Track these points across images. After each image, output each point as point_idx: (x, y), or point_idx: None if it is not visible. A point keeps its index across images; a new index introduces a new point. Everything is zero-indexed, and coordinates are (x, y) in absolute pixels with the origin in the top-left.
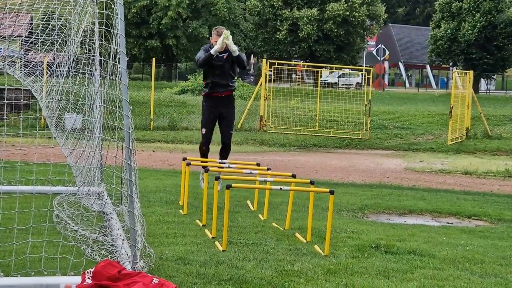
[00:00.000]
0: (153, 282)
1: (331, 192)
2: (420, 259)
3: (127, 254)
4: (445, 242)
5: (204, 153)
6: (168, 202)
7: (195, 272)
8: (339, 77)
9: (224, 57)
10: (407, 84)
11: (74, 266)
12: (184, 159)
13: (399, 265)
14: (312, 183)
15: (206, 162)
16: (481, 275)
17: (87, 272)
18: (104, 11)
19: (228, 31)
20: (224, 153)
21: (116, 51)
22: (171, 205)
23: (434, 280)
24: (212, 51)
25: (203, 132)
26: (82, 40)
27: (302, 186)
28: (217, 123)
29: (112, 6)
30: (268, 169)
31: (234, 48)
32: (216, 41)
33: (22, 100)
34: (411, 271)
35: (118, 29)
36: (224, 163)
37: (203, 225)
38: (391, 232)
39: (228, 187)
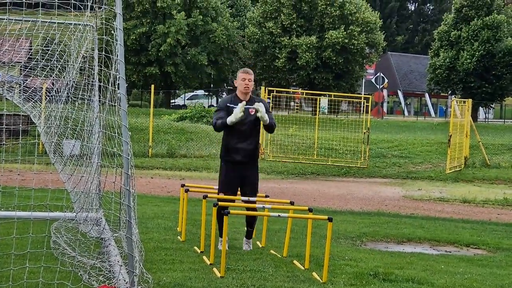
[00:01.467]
0: None
1: (329, 220)
2: (418, 287)
3: (124, 280)
4: (443, 270)
5: (221, 218)
6: (166, 228)
7: None
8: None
9: (251, 113)
10: (406, 112)
11: None
12: (183, 185)
13: None
14: (310, 210)
15: (205, 188)
16: None
17: None
18: (104, 37)
19: (261, 99)
20: (251, 220)
21: (116, 77)
22: (169, 232)
23: None
24: (228, 121)
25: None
26: (81, 66)
27: (300, 213)
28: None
29: (112, 32)
30: (266, 196)
31: (266, 118)
32: (241, 87)
33: (20, 126)
34: None
35: (117, 55)
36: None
37: (201, 251)
38: (389, 260)
39: (227, 213)
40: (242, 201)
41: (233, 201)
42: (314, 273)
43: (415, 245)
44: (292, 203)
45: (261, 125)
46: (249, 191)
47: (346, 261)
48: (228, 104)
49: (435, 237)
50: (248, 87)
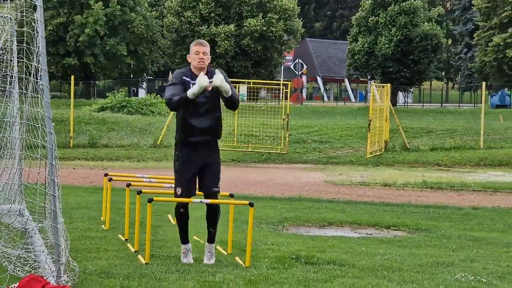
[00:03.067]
0: None
1: (251, 205)
2: (340, 269)
3: (50, 269)
4: (364, 252)
5: (181, 218)
6: (90, 218)
7: (118, 285)
8: None
9: (209, 88)
10: (326, 98)
11: None
12: (106, 174)
13: (319, 275)
14: (231, 196)
15: (128, 177)
16: (399, 282)
17: (11, 287)
18: (24, 29)
19: (218, 69)
20: (212, 218)
21: (38, 68)
22: (93, 221)
23: None
24: (189, 93)
25: (178, 193)
26: (1, 58)
27: (221, 199)
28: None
29: (33, 24)
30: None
31: (228, 88)
32: (195, 61)
33: None
34: (330, 280)
35: (39, 47)
36: (145, 177)
37: (125, 239)
38: (311, 244)
39: (150, 200)
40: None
41: (189, 196)
42: (237, 257)
43: (337, 229)
44: None
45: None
46: (210, 181)
47: (268, 245)
48: (184, 78)
49: (356, 220)
50: (204, 61)
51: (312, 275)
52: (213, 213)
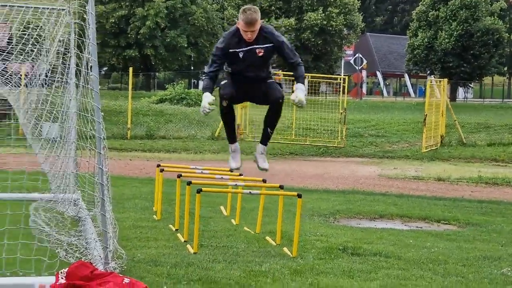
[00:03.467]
0: (124, 282)
1: (299, 196)
2: (385, 260)
3: (99, 256)
4: (411, 244)
5: (224, 114)
6: (143, 208)
7: (165, 273)
8: None
9: (257, 52)
10: (385, 93)
11: (49, 267)
12: (158, 165)
13: (364, 265)
14: (281, 187)
15: (180, 168)
16: (443, 275)
17: (61, 272)
18: (77, 21)
19: (299, 98)
20: (272, 117)
21: (88, 59)
22: (145, 211)
23: (397, 280)
24: (201, 109)
25: (223, 104)
26: (57, 50)
27: (271, 191)
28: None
29: (85, 16)
30: (240, 175)
31: (304, 102)
32: (243, 29)
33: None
34: (375, 271)
35: (90, 38)
36: (197, 168)
37: (176, 229)
38: (360, 236)
39: (199, 191)
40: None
41: (237, 98)
42: (285, 248)
43: (387, 222)
44: (264, 181)
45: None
46: (268, 94)
47: (317, 236)
48: (230, 49)
49: (407, 213)
50: (251, 38)
51: (357, 265)
52: (274, 110)
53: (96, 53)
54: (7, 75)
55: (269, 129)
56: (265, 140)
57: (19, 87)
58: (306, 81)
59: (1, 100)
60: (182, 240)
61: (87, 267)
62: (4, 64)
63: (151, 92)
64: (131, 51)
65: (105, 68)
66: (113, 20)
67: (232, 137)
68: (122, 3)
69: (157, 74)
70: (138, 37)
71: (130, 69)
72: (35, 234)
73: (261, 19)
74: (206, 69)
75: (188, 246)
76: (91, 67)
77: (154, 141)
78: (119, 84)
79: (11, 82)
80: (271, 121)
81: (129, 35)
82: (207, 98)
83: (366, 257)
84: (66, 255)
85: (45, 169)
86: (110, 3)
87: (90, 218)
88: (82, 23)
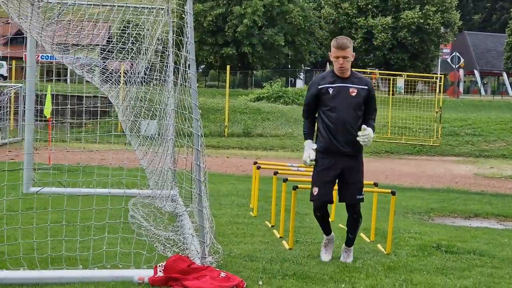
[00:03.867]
0: (220, 276)
1: (393, 193)
2: (479, 259)
3: (196, 250)
4: (506, 243)
5: (319, 219)
6: (240, 205)
7: (261, 268)
8: None
9: (351, 93)
10: (483, 92)
11: (147, 261)
12: (255, 163)
13: (457, 263)
14: (375, 184)
15: (276, 166)
16: None
17: (159, 266)
18: (175, 20)
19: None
20: (352, 225)
21: (186, 58)
22: (242, 208)
23: (490, 278)
24: (304, 158)
25: (314, 194)
26: (156, 48)
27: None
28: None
29: (183, 16)
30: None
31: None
32: (335, 66)
33: (99, 107)
34: (469, 269)
35: (188, 37)
36: (293, 165)
37: (272, 226)
38: (454, 234)
39: (295, 188)
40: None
41: (327, 202)
42: (379, 245)
43: (482, 220)
44: None
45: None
46: (351, 189)
47: (411, 234)
48: (319, 86)
49: (503, 213)
50: (344, 67)
51: (450, 263)
52: (354, 220)
53: (194, 51)
54: (107, 73)
55: (349, 234)
56: (349, 242)
57: (118, 84)
58: (402, 80)
59: (101, 98)
60: (278, 236)
61: (184, 261)
62: (104, 62)
63: (249, 90)
64: (229, 49)
65: (202, 66)
66: (210, 18)
67: (327, 229)
68: (220, 1)
69: (254, 72)
70: (236, 35)
71: (228, 67)
72: (134, 229)
73: (357, 18)
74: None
75: (284, 242)
76: (189, 65)
77: (251, 139)
78: (217, 82)
79: (111, 80)
80: (350, 225)
81: (226, 33)
82: (308, 150)
83: (460, 255)
84: (164, 249)
85: (144, 166)
86: (207, 1)
87: (187, 214)
88: (181, 22)
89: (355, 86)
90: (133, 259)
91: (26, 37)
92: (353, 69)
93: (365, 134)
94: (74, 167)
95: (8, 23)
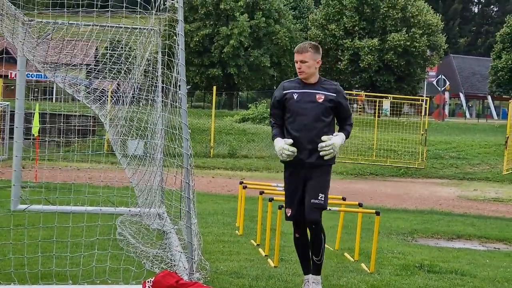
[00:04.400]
0: None
1: (377, 213)
2: (461, 278)
3: (184, 267)
4: (487, 264)
5: (298, 245)
6: (225, 223)
7: (247, 285)
8: None
9: (317, 99)
10: (468, 115)
11: (135, 277)
12: (241, 182)
13: (440, 282)
14: (360, 205)
15: (262, 185)
16: None
17: (148, 281)
18: (167, 41)
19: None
20: (313, 244)
21: (177, 79)
22: (227, 226)
23: None
24: (278, 149)
25: (288, 214)
26: (145, 69)
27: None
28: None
29: (174, 37)
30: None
31: (335, 151)
32: (295, 61)
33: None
34: None
35: (179, 59)
36: (279, 185)
37: (257, 244)
38: (437, 254)
39: (280, 207)
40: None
41: (300, 221)
42: (363, 264)
43: (465, 242)
44: (344, 199)
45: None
46: (312, 196)
47: (394, 254)
48: (284, 91)
49: (485, 234)
50: (301, 71)
51: (433, 282)
52: (316, 238)
53: (185, 72)
54: (97, 92)
55: (314, 258)
56: (315, 269)
57: (106, 104)
58: (388, 102)
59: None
60: (263, 254)
61: (172, 277)
62: (92, 82)
63: (234, 111)
64: (215, 70)
65: (188, 87)
66: (197, 39)
67: (305, 266)
68: (207, 22)
69: (240, 93)
70: (222, 56)
71: (214, 88)
72: (122, 246)
73: (344, 39)
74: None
75: (269, 260)
76: (179, 86)
77: (237, 160)
78: (202, 103)
79: (101, 99)
80: (312, 245)
81: (212, 54)
82: (281, 141)
83: (442, 274)
84: (152, 265)
85: (133, 184)
86: (194, 22)
87: (175, 231)
88: (171, 43)
89: (322, 92)
90: (122, 275)
91: (15, 56)
92: (323, 77)
93: (328, 145)
94: (62, 185)
95: None
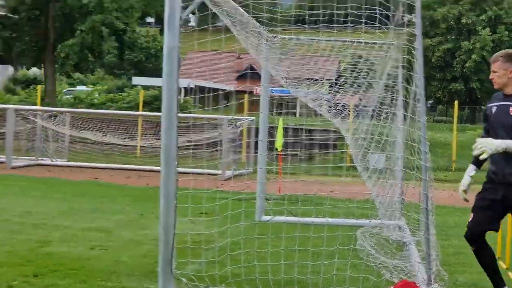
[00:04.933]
0: None
1: None
2: None
3: (423, 277)
4: None
5: (477, 256)
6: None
7: None
8: None
9: (510, 112)
10: None
11: (375, 286)
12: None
13: None
14: None
15: None
16: None
17: None
18: (405, 56)
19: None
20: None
21: (416, 92)
22: None
23: None
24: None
25: (469, 219)
26: (386, 83)
27: None
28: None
29: (413, 51)
30: None
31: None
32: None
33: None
34: None
35: (417, 72)
36: None
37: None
38: None
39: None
40: None
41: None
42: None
43: None
44: None
45: None
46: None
47: None
48: (488, 104)
49: None
50: (494, 81)
51: None
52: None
53: (423, 86)
54: (339, 106)
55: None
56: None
57: (348, 118)
58: None
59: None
60: (504, 266)
61: (411, 287)
62: (334, 96)
63: (477, 125)
64: (457, 84)
65: (430, 101)
66: (439, 54)
67: (495, 280)
68: (448, 37)
69: (482, 107)
70: (464, 70)
71: (456, 102)
72: (362, 256)
73: None
74: None
75: (509, 273)
76: (418, 99)
77: (478, 173)
78: (444, 117)
79: (342, 113)
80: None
81: (454, 68)
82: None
83: None
84: (391, 275)
85: (373, 197)
86: (436, 36)
87: (414, 243)
88: (410, 57)
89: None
90: (362, 284)
91: (258, 72)
92: None
93: (481, 142)
94: (304, 198)
95: (241, 58)
